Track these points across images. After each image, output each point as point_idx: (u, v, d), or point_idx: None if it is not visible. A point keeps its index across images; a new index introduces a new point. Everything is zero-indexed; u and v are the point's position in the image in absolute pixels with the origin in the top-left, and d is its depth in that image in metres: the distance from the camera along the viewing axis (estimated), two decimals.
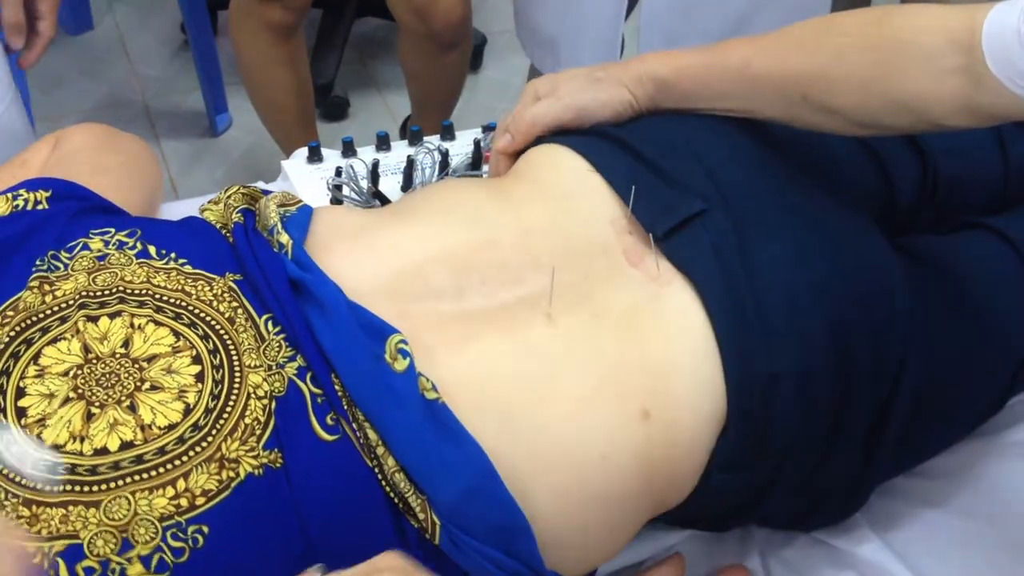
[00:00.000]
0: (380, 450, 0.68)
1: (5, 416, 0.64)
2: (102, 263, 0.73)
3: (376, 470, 0.68)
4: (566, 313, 0.77)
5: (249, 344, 0.70)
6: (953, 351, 0.88)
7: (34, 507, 0.61)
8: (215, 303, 0.72)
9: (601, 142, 0.90)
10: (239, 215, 0.81)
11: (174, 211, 1.08)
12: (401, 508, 0.68)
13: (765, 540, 0.96)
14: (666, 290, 0.81)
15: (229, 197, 0.84)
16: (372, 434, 0.68)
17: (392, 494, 0.68)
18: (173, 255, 0.76)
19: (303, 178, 1.11)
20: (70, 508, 0.61)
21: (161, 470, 0.63)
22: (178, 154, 2.30)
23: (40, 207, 0.78)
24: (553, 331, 0.76)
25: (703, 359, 0.78)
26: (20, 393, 0.65)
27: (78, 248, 0.74)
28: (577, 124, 0.92)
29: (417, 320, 0.74)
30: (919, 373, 0.84)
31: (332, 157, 1.15)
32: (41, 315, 0.69)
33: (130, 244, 0.75)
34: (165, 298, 0.72)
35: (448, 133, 1.17)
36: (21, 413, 0.64)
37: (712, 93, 0.89)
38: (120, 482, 0.63)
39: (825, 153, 0.94)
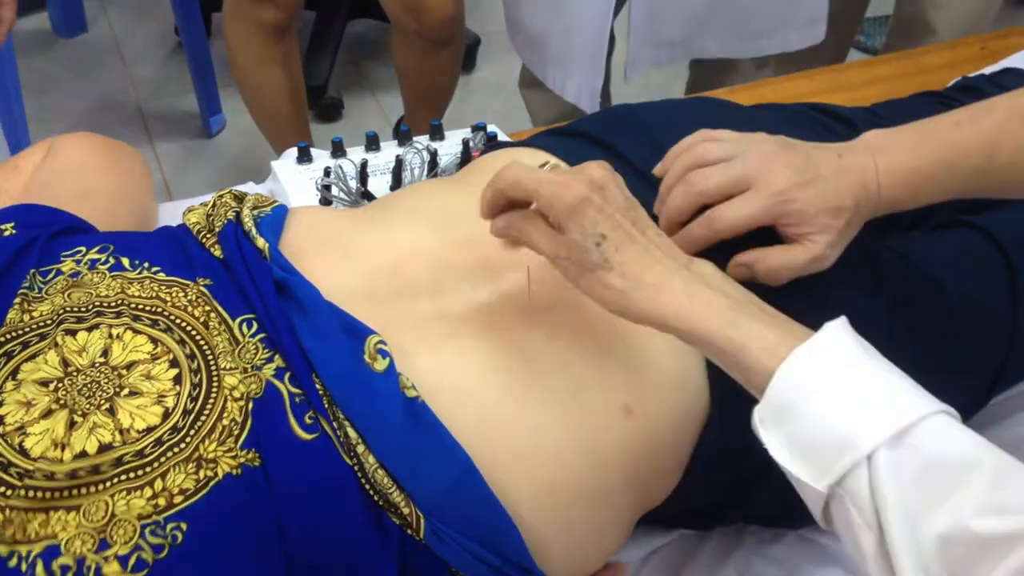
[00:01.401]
0: (360, 448, 0.68)
1: None
2: (75, 280, 0.73)
3: (355, 468, 0.68)
4: (546, 310, 0.77)
5: (224, 347, 0.71)
6: (935, 349, 0.88)
7: (22, 513, 0.61)
8: (190, 308, 0.73)
9: (579, 144, 0.90)
10: (232, 214, 0.81)
11: (168, 212, 1.09)
12: (382, 505, 0.68)
13: (752, 537, 0.96)
14: None
15: (220, 198, 0.85)
16: (352, 432, 0.68)
17: (372, 491, 0.68)
18: (146, 264, 0.76)
19: (292, 178, 1.12)
20: (50, 513, 0.61)
21: (140, 472, 0.63)
22: (172, 156, 2.30)
23: (7, 233, 0.77)
24: (533, 328, 0.76)
25: (686, 355, 0.78)
26: None
27: (52, 275, 0.74)
28: None
29: (395, 320, 0.75)
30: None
31: (322, 157, 1.15)
32: (21, 331, 0.69)
33: (102, 260, 0.75)
34: (141, 306, 0.72)
35: (437, 133, 1.17)
36: None
37: (946, 193, 0.80)
38: (100, 486, 0.63)
39: None
